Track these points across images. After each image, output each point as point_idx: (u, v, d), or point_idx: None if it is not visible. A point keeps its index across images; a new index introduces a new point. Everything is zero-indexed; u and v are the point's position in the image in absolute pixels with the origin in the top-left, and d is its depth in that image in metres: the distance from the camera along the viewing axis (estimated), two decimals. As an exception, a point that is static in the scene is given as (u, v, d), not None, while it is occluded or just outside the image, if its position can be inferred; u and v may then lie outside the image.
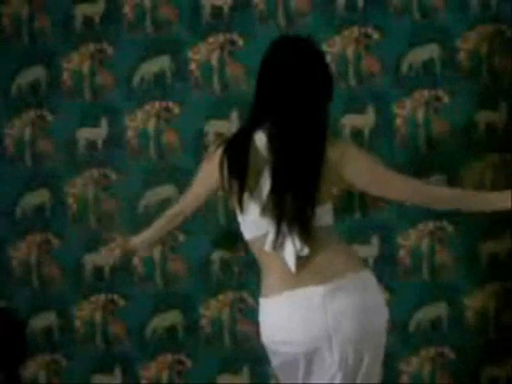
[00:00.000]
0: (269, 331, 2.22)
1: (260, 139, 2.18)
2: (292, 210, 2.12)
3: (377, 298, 2.22)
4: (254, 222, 2.20)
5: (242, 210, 2.21)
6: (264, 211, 2.16)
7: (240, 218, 2.25)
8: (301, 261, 2.15)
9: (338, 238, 2.25)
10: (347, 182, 2.20)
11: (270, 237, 2.15)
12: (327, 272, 2.15)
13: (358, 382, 2.18)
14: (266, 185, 2.16)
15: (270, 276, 2.21)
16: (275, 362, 2.27)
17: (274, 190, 2.14)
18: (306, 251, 2.14)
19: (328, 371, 2.16)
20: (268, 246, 2.16)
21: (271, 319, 2.21)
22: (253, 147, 2.18)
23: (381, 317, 2.21)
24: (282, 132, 2.15)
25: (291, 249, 2.13)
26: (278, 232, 2.14)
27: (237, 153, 2.19)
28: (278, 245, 2.15)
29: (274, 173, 2.14)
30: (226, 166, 2.21)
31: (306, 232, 2.13)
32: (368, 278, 2.22)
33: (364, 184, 2.21)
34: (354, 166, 2.18)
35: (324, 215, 2.18)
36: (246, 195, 2.19)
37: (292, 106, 2.16)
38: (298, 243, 2.13)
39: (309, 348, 2.15)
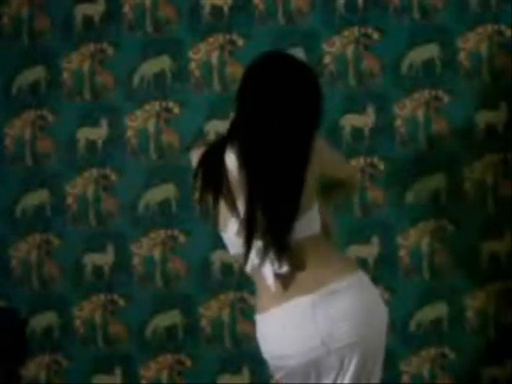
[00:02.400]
0: (267, 347, 2.21)
1: (230, 160, 2.13)
2: (268, 231, 2.07)
3: (373, 297, 2.19)
4: (233, 240, 2.17)
5: (217, 226, 2.19)
6: (240, 231, 2.14)
7: (221, 233, 2.21)
8: (288, 274, 2.13)
9: (326, 243, 2.22)
10: (320, 173, 2.18)
11: (250, 257, 2.12)
12: (317, 280, 2.12)
13: (359, 382, 2.17)
14: (242, 205, 2.13)
15: (262, 291, 2.19)
16: (279, 374, 2.23)
17: (248, 211, 2.08)
18: (284, 269, 2.11)
19: (330, 374, 2.16)
20: (248, 267, 2.14)
21: (267, 335, 2.19)
22: (224, 167, 2.13)
23: (379, 316, 2.20)
24: (257, 153, 2.09)
25: (269, 268, 2.12)
26: (248, 253, 2.10)
27: (210, 172, 2.14)
28: (256, 265, 2.13)
29: (248, 195, 2.09)
30: (200, 181, 2.16)
31: (283, 252, 2.09)
32: (361, 278, 2.19)
33: (330, 169, 2.23)
34: (325, 157, 2.19)
35: (309, 224, 2.14)
36: (224, 213, 2.15)
37: (274, 125, 2.08)
38: (275, 263, 2.10)
39: (310, 358, 2.13)
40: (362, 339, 2.12)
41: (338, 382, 2.16)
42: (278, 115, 2.10)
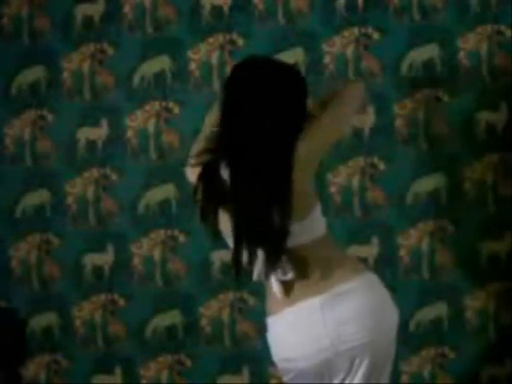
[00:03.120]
0: (276, 349, 2.21)
1: (225, 172, 2.13)
2: (261, 242, 2.07)
3: (382, 298, 2.19)
4: None
5: (215, 237, 2.19)
6: None
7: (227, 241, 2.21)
8: (295, 279, 2.12)
9: (333, 244, 2.22)
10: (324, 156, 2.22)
11: (257, 267, 2.12)
12: (325, 282, 2.13)
13: (369, 382, 2.17)
14: None
15: (271, 294, 2.20)
16: (288, 376, 2.23)
17: (236, 224, 2.08)
18: (289, 276, 2.11)
19: (340, 374, 2.16)
20: (254, 276, 2.14)
21: (277, 337, 2.20)
22: (221, 179, 2.13)
23: (389, 317, 2.19)
24: (243, 167, 2.08)
25: (274, 275, 2.12)
26: (238, 267, 2.10)
27: (210, 185, 2.14)
28: (261, 273, 2.12)
29: (236, 211, 2.08)
30: (201, 196, 2.16)
31: (280, 261, 2.08)
32: (370, 279, 2.19)
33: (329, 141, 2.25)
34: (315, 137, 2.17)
35: (311, 228, 2.14)
36: (226, 224, 2.14)
37: (266, 125, 2.08)
38: (279, 272, 2.11)
39: (321, 359, 2.13)
40: (372, 340, 2.12)
41: (347, 382, 2.15)
42: (265, 120, 2.08)
